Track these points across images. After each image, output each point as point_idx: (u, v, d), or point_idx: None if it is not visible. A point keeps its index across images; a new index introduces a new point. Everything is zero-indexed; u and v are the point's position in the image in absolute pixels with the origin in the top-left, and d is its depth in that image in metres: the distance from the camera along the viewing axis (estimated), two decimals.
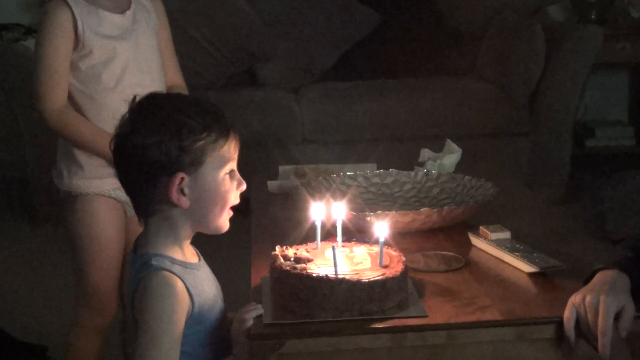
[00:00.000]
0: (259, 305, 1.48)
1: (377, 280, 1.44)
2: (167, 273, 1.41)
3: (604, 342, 1.36)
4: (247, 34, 4.09)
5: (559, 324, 1.43)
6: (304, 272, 1.46)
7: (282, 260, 1.51)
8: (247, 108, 3.70)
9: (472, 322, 1.44)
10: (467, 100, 3.81)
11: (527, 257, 1.64)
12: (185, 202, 1.42)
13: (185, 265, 1.45)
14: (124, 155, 1.43)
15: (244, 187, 1.48)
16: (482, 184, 2.06)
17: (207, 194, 1.43)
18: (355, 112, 3.78)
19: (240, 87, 4.06)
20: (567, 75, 3.68)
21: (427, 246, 1.81)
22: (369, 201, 2.11)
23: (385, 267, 1.51)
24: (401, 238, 1.81)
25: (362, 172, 2.19)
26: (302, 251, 1.57)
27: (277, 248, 1.56)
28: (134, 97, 1.46)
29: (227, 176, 1.45)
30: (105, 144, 1.94)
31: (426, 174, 2.17)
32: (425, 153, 2.30)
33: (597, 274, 1.47)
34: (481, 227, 1.80)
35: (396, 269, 1.49)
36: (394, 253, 1.55)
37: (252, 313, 1.47)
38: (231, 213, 1.49)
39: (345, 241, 1.62)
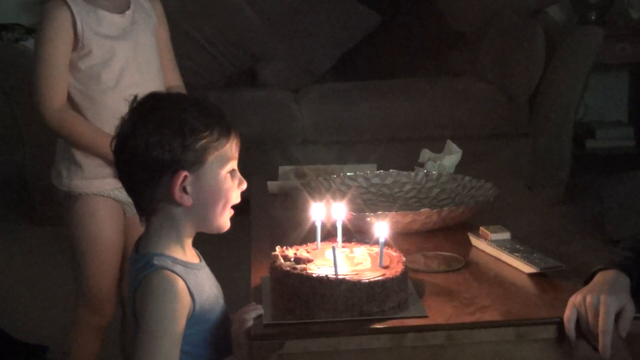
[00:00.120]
0: (259, 306, 1.49)
1: (377, 281, 1.45)
2: (168, 272, 1.41)
3: (604, 342, 1.36)
4: (247, 34, 4.09)
5: (559, 324, 1.43)
6: (304, 272, 1.46)
7: (282, 260, 1.51)
8: (247, 108, 3.70)
9: (472, 322, 1.44)
10: (467, 101, 3.81)
11: (527, 258, 1.65)
12: (187, 200, 1.42)
13: (186, 265, 1.45)
14: (126, 154, 1.43)
15: (244, 186, 1.49)
16: (482, 184, 2.06)
17: (209, 192, 1.44)
18: (356, 113, 3.78)
19: (240, 88, 4.06)
20: (567, 76, 3.68)
21: (427, 247, 1.81)
22: (369, 202, 2.11)
23: (385, 267, 1.51)
24: (401, 238, 1.81)
25: (362, 173, 2.19)
26: (302, 251, 1.57)
27: (277, 248, 1.56)
28: (135, 97, 1.47)
29: (229, 175, 1.46)
30: (104, 144, 1.95)
31: (426, 175, 2.17)
32: (425, 154, 2.30)
33: (597, 274, 1.47)
34: (481, 228, 1.80)
35: (396, 269, 1.49)
36: (394, 253, 1.55)
37: (252, 313, 1.47)
38: (232, 212, 1.49)
39: (345, 242, 1.62)
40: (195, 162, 1.41)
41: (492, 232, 1.77)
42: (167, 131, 1.40)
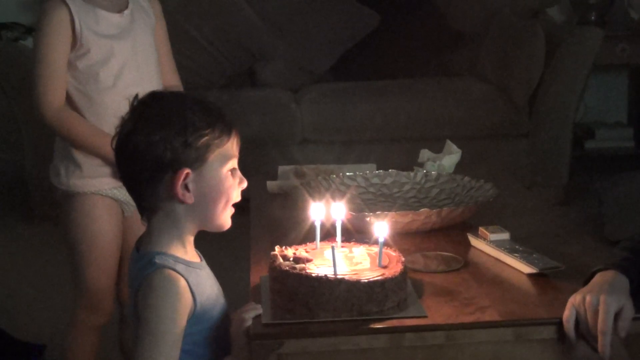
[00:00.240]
0: (258, 305, 1.49)
1: (376, 281, 1.44)
2: (170, 271, 1.41)
3: (604, 342, 1.36)
4: (247, 34, 4.09)
5: (558, 324, 1.43)
6: (303, 272, 1.46)
7: (281, 260, 1.51)
8: (247, 108, 3.70)
9: (471, 322, 1.44)
10: (466, 101, 3.81)
11: (526, 258, 1.65)
12: (189, 198, 1.43)
13: (188, 264, 1.45)
14: (127, 153, 1.43)
15: (245, 184, 1.49)
16: (482, 184, 2.06)
17: (210, 190, 1.44)
18: (355, 113, 3.78)
19: (240, 87, 4.06)
20: (567, 77, 3.68)
21: (426, 247, 1.81)
22: (368, 201, 2.11)
23: (385, 267, 1.51)
24: (400, 238, 1.81)
25: (361, 173, 2.19)
26: (301, 251, 1.57)
27: (277, 248, 1.56)
28: (136, 96, 1.47)
29: (230, 173, 1.46)
30: (103, 144, 1.95)
31: (426, 175, 2.17)
32: (425, 154, 2.30)
33: (596, 275, 1.47)
34: (480, 228, 1.80)
35: (395, 269, 1.49)
36: (393, 253, 1.55)
37: (251, 313, 1.47)
38: (233, 210, 1.50)
39: (344, 241, 1.62)
40: (197, 160, 1.42)
41: (491, 232, 1.77)
42: (169, 129, 1.40)
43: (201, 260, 1.52)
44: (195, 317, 1.43)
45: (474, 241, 1.80)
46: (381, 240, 1.52)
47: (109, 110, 2.00)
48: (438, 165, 2.23)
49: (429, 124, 3.76)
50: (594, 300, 1.39)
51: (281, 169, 2.40)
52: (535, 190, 3.63)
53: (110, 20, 2.03)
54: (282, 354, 1.40)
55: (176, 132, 1.40)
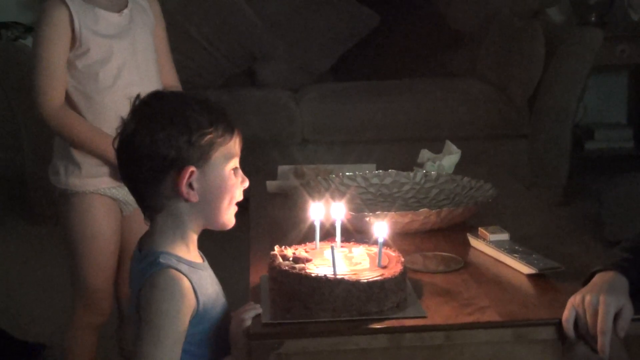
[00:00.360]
0: (258, 305, 1.49)
1: (376, 281, 1.44)
2: (174, 271, 1.41)
3: (603, 342, 1.36)
4: (246, 34, 4.09)
5: (558, 325, 1.43)
6: (303, 272, 1.46)
7: (280, 260, 1.51)
8: (247, 108, 3.70)
9: (470, 323, 1.44)
10: (466, 102, 3.81)
11: (525, 259, 1.64)
12: (194, 196, 1.43)
13: (191, 264, 1.46)
14: (130, 152, 1.43)
15: (247, 183, 1.50)
16: (481, 185, 2.06)
17: (215, 189, 1.45)
18: (355, 113, 3.78)
19: (240, 87, 4.06)
20: (567, 77, 3.68)
21: (426, 247, 1.81)
22: (368, 202, 2.11)
23: (384, 267, 1.51)
24: (400, 239, 1.81)
25: (361, 173, 2.20)
26: (300, 251, 1.57)
27: (276, 248, 1.56)
28: (138, 95, 1.47)
29: (232, 172, 1.47)
30: (102, 143, 1.96)
31: (425, 175, 2.17)
32: (425, 154, 2.30)
33: (595, 275, 1.47)
34: (480, 228, 1.80)
35: (395, 269, 1.49)
36: (392, 254, 1.55)
37: (251, 313, 1.47)
38: (236, 208, 1.50)
39: (344, 241, 1.62)
40: (201, 158, 1.42)
41: (491, 232, 1.77)
42: (173, 128, 1.41)
43: (203, 260, 1.52)
44: (198, 317, 1.44)
45: (473, 241, 1.80)
46: (381, 240, 1.52)
47: (108, 109, 2.00)
48: (438, 166, 2.23)
49: (429, 125, 3.76)
50: (594, 300, 1.39)
51: (281, 168, 2.40)
52: (534, 191, 3.62)
53: (110, 20, 2.03)
54: (281, 353, 1.40)
55: (180, 131, 1.41)
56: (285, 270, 1.47)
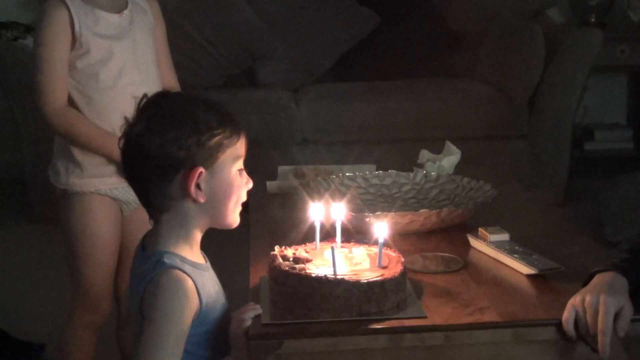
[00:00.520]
0: (258, 306, 1.49)
1: (376, 281, 1.44)
2: (178, 272, 1.41)
3: (603, 342, 1.36)
4: (246, 34, 4.09)
5: (557, 325, 1.43)
6: (303, 272, 1.46)
7: (280, 260, 1.51)
8: (246, 108, 3.70)
9: (470, 323, 1.44)
10: (466, 102, 3.81)
11: (525, 259, 1.64)
12: (201, 196, 1.44)
13: (194, 265, 1.46)
14: (138, 152, 1.42)
15: (251, 184, 1.51)
16: (481, 185, 2.06)
17: (222, 189, 1.45)
18: (355, 113, 3.78)
19: (240, 87, 4.06)
20: (567, 78, 3.68)
21: (426, 247, 1.81)
22: (368, 202, 2.11)
23: (384, 268, 1.51)
24: (400, 239, 1.81)
25: (361, 173, 2.20)
26: (300, 251, 1.57)
27: (276, 248, 1.56)
28: (144, 95, 1.47)
29: (238, 172, 1.47)
30: (106, 143, 1.96)
31: (425, 176, 2.17)
32: (425, 154, 2.30)
33: (595, 276, 1.47)
34: (480, 229, 1.80)
35: (395, 269, 1.49)
36: (392, 254, 1.55)
37: (251, 313, 1.47)
38: (241, 208, 1.50)
39: (344, 242, 1.62)
40: (209, 159, 1.43)
41: (490, 233, 1.77)
42: (182, 128, 1.41)
43: (206, 261, 1.52)
44: (199, 318, 1.44)
45: (473, 242, 1.80)
46: (381, 240, 1.52)
47: (109, 109, 2.00)
48: (438, 166, 2.23)
49: (429, 125, 3.76)
50: (594, 300, 1.39)
51: (281, 169, 2.40)
52: (534, 191, 3.62)
53: (110, 20, 2.03)
54: (281, 354, 1.40)
55: (189, 132, 1.41)
56: (286, 270, 1.47)
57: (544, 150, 3.77)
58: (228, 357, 1.48)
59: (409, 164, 2.30)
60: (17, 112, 3.62)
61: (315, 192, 2.05)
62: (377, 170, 2.23)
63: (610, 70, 4.36)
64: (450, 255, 1.74)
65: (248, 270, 1.69)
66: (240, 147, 1.47)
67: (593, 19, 4.20)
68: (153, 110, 1.44)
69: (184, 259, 1.44)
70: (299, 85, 4.06)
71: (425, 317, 1.45)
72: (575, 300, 1.42)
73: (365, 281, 1.44)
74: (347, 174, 2.19)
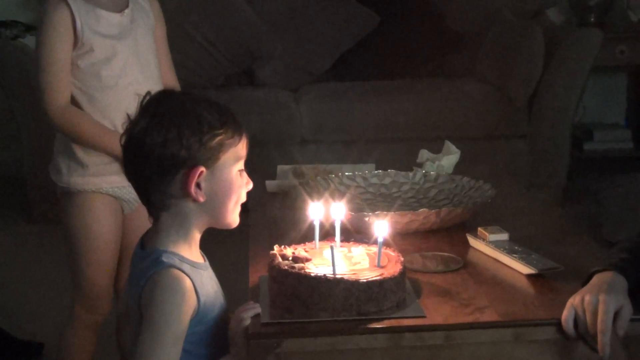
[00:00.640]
0: (257, 305, 1.49)
1: (375, 281, 1.44)
2: (177, 271, 1.42)
3: (603, 341, 1.36)
4: (246, 33, 4.09)
5: (557, 325, 1.43)
6: (302, 271, 1.46)
7: (280, 259, 1.51)
8: (246, 108, 3.70)
9: (469, 323, 1.44)
10: (466, 102, 3.81)
11: (525, 259, 1.64)
12: (201, 196, 1.43)
13: (193, 264, 1.46)
14: (140, 150, 1.42)
15: (251, 185, 1.51)
16: (480, 185, 2.06)
17: (222, 189, 1.45)
18: (354, 113, 3.78)
19: (239, 87, 4.06)
20: (566, 78, 3.68)
21: (425, 247, 1.81)
22: (368, 201, 2.11)
23: (383, 267, 1.51)
24: (399, 239, 1.81)
25: (360, 173, 2.20)
26: (300, 251, 1.57)
27: (275, 247, 1.56)
28: (147, 93, 1.47)
29: (239, 173, 1.47)
30: (110, 141, 1.96)
31: (424, 175, 2.17)
32: (424, 154, 2.30)
33: (595, 276, 1.48)
34: (479, 229, 1.80)
35: (394, 269, 1.49)
36: (392, 253, 1.55)
37: (250, 312, 1.47)
38: (240, 208, 1.50)
39: (343, 241, 1.62)
40: (211, 159, 1.43)
41: (490, 232, 1.77)
42: (184, 127, 1.41)
43: (204, 260, 1.52)
44: (198, 317, 1.44)
45: (472, 241, 1.80)
46: (380, 240, 1.52)
47: (111, 108, 2.01)
48: (437, 166, 2.23)
49: (428, 125, 3.76)
50: (594, 300, 1.39)
51: (280, 168, 2.40)
52: (534, 191, 3.62)
53: (111, 20, 2.03)
54: (280, 353, 1.40)
55: (192, 131, 1.41)
56: (285, 269, 1.47)
57: (544, 150, 3.77)
58: (227, 356, 1.48)
59: (409, 163, 2.30)
60: (17, 111, 3.62)
61: (315, 191, 2.05)
62: (376, 170, 2.23)
63: (609, 70, 4.36)
64: (450, 254, 1.74)
65: (247, 270, 1.69)
66: (241, 148, 1.47)
67: (592, 19, 4.20)
68: (156, 109, 1.44)
69: (182, 258, 1.44)
70: (298, 84, 4.06)
71: (424, 317, 1.45)
72: (574, 300, 1.42)
73: (364, 280, 1.44)
74: (346, 173, 2.19)
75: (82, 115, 2.01)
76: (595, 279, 1.46)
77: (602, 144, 4.25)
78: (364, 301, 1.44)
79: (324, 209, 1.67)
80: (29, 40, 3.72)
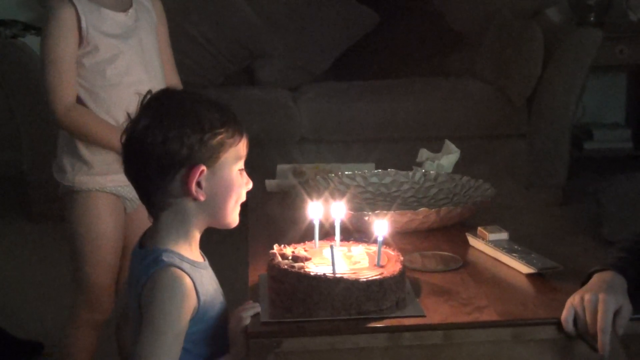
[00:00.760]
0: (257, 304, 1.49)
1: (375, 280, 1.45)
2: (177, 270, 1.42)
3: (603, 340, 1.36)
4: (245, 32, 4.09)
5: (556, 324, 1.43)
6: (302, 270, 1.46)
7: (280, 258, 1.51)
8: (245, 107, 3.70)
9: (469, 322, 1.44)
10: (465, 101, 3.81)
11: (524, 258, 1.65)
12: (202, 194, 1.43)
13: (192, 263, 1.46)
14: (141, 148, 1.42)
15: (250, 185, 1.51)
16: (480, 184, 2.06)
17: (223, 188, 1.45)
18: (354, 112, 3.78)
19: (238, 86, 4.06)
20: (566, 77, 3.68)
21: (425, 246, 1.81)
22: (367, 201, 2.11)
23: (383, 266, 1.51)
24: (399, 238, 1.81)
25: (360, 172, 2.20)
26: (300, 250, 1.57)
27: (275, 247, 1.56)
28: (149, 91, 1.47)
29: (239, 173, 1.47)
30: (117, 138, 1.95)
31: (424, 174, 2.17)
32: (424, 153, 2.30)
33: (594, 276, 1.48)
34: (479, 228, 1.80)
35: (394, 268, 1.49)
36: (392, 253, 1.55)
37: (250, 311, 1.47)
38: (240, 208, 1.50)
39: (343, 240, 1.62)
40: (211, 158, 1.43)
41: (490, 232, 1.77)
42: (186, 126, 1.41)
43: (204, 259, 1.52)
44: (198, 316, 1.44)
45: (472, 241, 1.80)
46: (380, 239, 1.52)
47: (115, 107, 2.01)
48: (437, 165, 2.23)
49: (428, 124, 3.76)
50: (593, 299, 1.40)
51: (280, 167, 2.40)
52: (533, 191, 3.63)
53: (116, 19, 2.04)
54: (280, 352, 1.40)
55: (193, 130, 1.41)
56: (285, 269, 1.47)
57: (543, 150, 3.77)
58: (227, 355, 1.49)
59: (408, 162, 2.30)
60: (17, 110, 3.62)
61: (314, 190, 2.05)
62: (376, 169, 2.23)
63: (609, 69, 4.36)
64: (449, 254, 1.74)
65: (247, 269, 1.69)
66: (242, 147, 1.47)
67: (592, 19, 4.20)
68: (157, 107, 1.44)
69: (182, 257, 1.45)
70: (298, 83, 4.06)
71: (424, 316, 1.45)
72: (574, 299, 1.43)
73: (364, 280, 1.44)
74: (346, 172, 2.19)
75: (88, 113, 2.01)
76: (594, 278, 1.47)
77: (601, 144, 4.25)
78: (364, 300, 1.44)
79: (324, 209, 1.67)
80: (29, 40, 3.71)
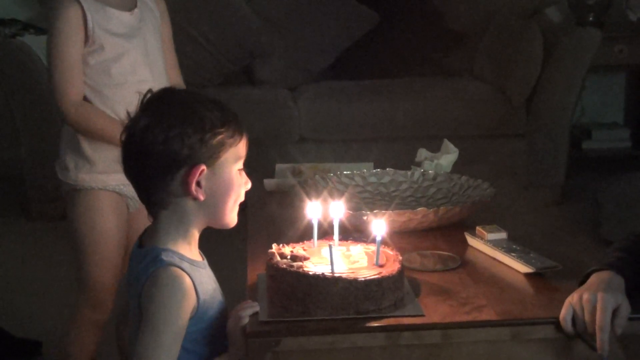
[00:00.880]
0: (255, 303, 1.49)
1: (374, 279, 1.45)
2: (177, 269, 1.42)
3: (602, 339, 1.36)
4: (245, 32, 4.09)
5: (555, 324, 1.43)
6: (301, 270, 1.46)
7: (278, 258, 1.51)
8: (244, 106, 3.70)
9: (467, 321, 1.44)
10: (464, 101, 3.81)
11: (523, 258, 1.65)
12: (202, 194, 1.43)
13: (192, 262, 1.46)
14: (142, 147, 1.42)
15: (249, 185, 1.51)
16: (479, 184, 2.06)
17: (222, 188, 1.46)
18: (353, 112, 3.78)
19: (238, 85, 4.06)
20: (564, 77, 3.68)
21: (424, 246, 1.81)
22: (366, 200, 2.11)
23: (382, 266, 1.51)
24: (398, 237, 1.81)
25: (359, 171, 2.20)
26: (298, 249, 1.57)
27: (274, 246, 1.56)
28: (149, 90, 1.47)
29: (238, 172, 1.47)
30: None
31: (423, 174, 2.17)
32: (423, 153, 2.30)
33: (592, 275, 1.48)
34: (478, 228, 1.80)
35: (392, 268, 1.49)
36: (390, 252, 1.55)
37: (248, 311, 1.47)
38: (238, 208, 1.50)
39: (342, 240, 1.62)
40: (211, 157, 1.43)
41: (488, 231, 1.77)
42: (187, 125, 1.41)
43: (203, 259, 1.53)
44: (197, 315, 1.44)
45: (471, 240, 1.80)
46: (379, 239, 1.52)
47: (120, 106, 2.01)
48: (435, 165, 2.24)
49: (427, 124, 3.76)
50: (592, 297, 1.40)
51: (278, 167, 2.40)
52: (532, 190, 3.63)
53: (121, 18, 2.04)
54: (278, 351, 1.40)
55: (193, 129, 1.41)
56: (283, 268, 1.47)
57: (542, 149, 3.77)
58: (226, 354, 1.49)
59: (407, 162, 2.30)
60: (16, 109, 3.62)
61: (313, 190, 2.05)
62: (375, 169, 2.23)
63: (608, 69, 4.36)
64: (448, 253, 1.75)
65: (246, 268, 1.69)
66: (242, 147, 1.48)
67: (591, 18, 4.20)
68: (157, 106, 1.44)
69: (182, 256, 1.45)
70: (297, 83, 4.06)
71: (422, 316, 1.45)
72: (572, 299, 1.43)
73: (362, 279, 1.44)
74: (345, 172, 2.19)
75: (95, 110, 2.02)
76: (592, 278, 1.47)
77: (600, 143, 4.26)
78: (362, 300, 1.44)
79: (323, 208, 1.67)
80: (28, 39, 3.71)
